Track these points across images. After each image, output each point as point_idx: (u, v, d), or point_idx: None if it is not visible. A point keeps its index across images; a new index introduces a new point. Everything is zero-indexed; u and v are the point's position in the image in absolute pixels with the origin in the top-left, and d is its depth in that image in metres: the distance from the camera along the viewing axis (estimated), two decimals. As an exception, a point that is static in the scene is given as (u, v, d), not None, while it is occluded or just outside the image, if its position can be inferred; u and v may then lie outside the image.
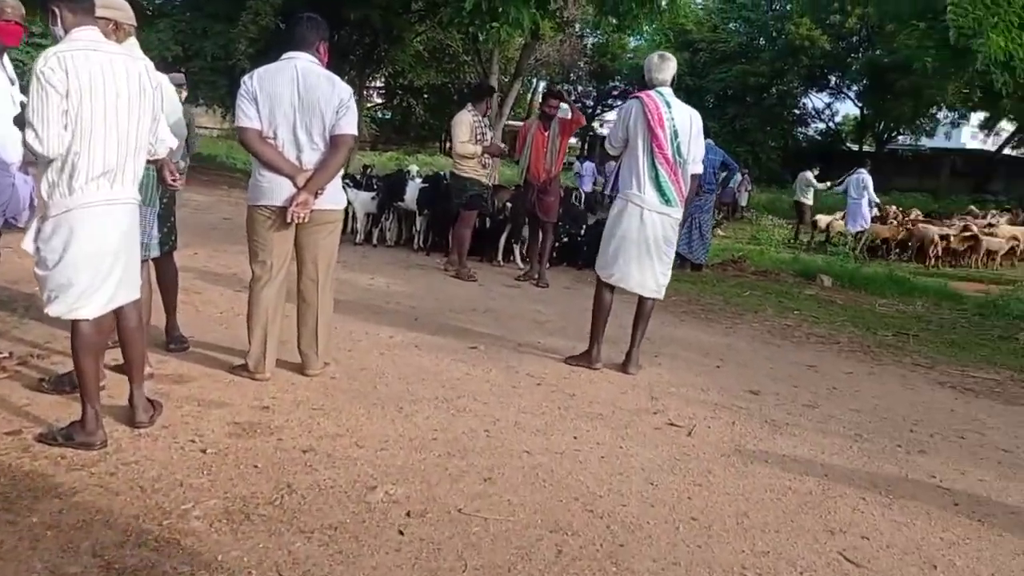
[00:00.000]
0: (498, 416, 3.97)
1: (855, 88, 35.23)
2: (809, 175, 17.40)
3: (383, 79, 29.32)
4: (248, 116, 3.89)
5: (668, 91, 4.87)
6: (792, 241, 16.56)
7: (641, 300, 5.07)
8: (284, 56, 3.97)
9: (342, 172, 4.65)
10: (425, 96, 31.27)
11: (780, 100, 34.87)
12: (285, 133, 3.91)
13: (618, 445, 3.76)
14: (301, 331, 4.25)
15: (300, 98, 3.88)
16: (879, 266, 12.59)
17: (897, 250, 15.27)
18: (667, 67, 4.86)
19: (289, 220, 3.89)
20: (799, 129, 37.48)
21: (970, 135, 41.11)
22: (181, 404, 3.68)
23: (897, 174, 30.35)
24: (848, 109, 38.89)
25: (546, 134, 8.00)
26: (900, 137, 36.15)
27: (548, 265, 8.37)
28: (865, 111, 35.05)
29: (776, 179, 31.76)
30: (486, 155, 8.13)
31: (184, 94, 5.43)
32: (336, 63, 20.43)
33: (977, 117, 32.76)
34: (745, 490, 3.39)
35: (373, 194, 10.05)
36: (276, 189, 3.93)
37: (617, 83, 41.65)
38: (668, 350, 5.77)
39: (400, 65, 23.74)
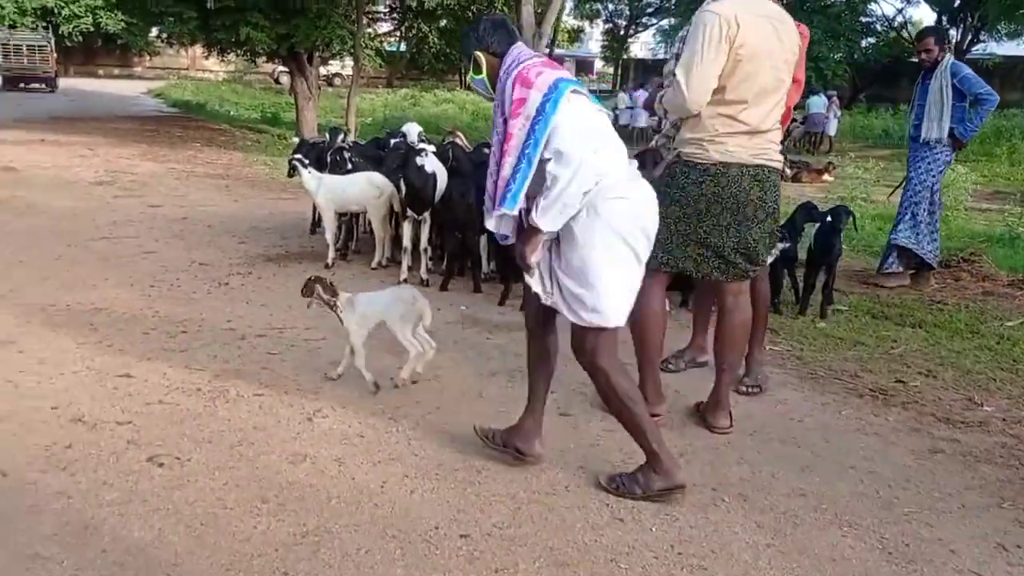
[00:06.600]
0: None
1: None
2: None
3: (387, 4, 25.17)
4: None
5: None
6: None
7: None
8: None
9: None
10: (441, 21, 26.99)
11: (848, 6, 30.09)
12: None
13: None
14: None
15: None
16: None
17: None
18: None
19: None
20: (868, 39, 32.57)
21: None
22: None
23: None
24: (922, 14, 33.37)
25: None
26: (979, 45, 30.65)
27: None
28: (943, 14, 29.82)
29: (846, 101, 27.28)
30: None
31: None
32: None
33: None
34: None
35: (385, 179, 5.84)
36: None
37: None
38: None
39: (407, -18, 19.70)
